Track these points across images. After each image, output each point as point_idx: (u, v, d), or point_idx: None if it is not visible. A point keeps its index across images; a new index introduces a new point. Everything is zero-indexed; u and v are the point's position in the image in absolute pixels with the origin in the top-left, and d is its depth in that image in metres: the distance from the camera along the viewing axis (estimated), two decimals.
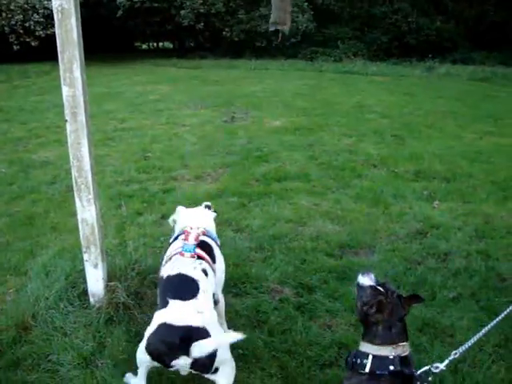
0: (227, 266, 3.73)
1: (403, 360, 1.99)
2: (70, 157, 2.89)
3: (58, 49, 2.66)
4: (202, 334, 2.02)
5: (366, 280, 2.17)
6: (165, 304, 2.17)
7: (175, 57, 23.91)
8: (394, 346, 2.00)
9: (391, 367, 1.96)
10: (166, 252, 2.66)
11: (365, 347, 2.07)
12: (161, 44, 38.57)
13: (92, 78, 15.38)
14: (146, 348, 2.10)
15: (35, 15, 20.00)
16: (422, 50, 23.74)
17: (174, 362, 2.02)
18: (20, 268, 3.79)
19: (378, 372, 1.98)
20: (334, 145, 7.56)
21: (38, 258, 3.85)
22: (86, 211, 2.98)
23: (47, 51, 13.95)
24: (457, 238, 4.32)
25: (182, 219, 2.88)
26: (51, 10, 2.68)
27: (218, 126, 9.01)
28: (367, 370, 2.00)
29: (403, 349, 2.01)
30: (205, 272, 2.38)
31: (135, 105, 11.30)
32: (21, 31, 20.09)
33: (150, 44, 39.41)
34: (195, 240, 2.54)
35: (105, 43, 28.76)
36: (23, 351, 2.80)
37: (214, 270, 2.52)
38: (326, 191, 5.53)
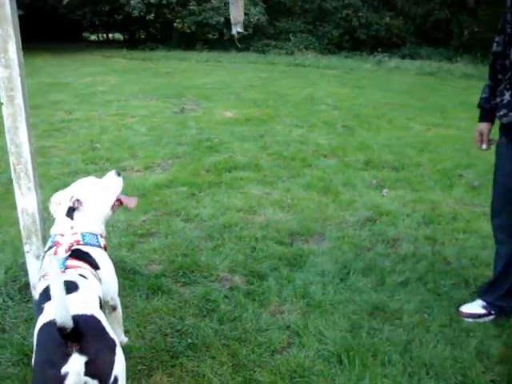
0: (176, 255, 3.69)
1: None
2: (8, 143, 2.70)
3: None
4: (92, 321, 1.73)
5: None
6: (40, 311, 1.82)
7: (125, 48, 23.32)
8: None
9: None
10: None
11: None
12: (110, 35, 37.61)
13: (38, 68, 14.99)
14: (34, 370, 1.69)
15: None
16: (371, 44, 24.21)
17: (64, 369, 1.56)
18: None
19: None
20: (284, 135, 7.56)
21: None
22: (27, 200, 2.81)
23: None
24: (405, 225, 4.40)
25: (56, 221, 2.40)
26: None
27: (168, 117, 8.85)
28: None
29: None
30: (82, 276, 2.06)
31: (83, 96, 10.93)
32: None
33: (100, 35, 38.40)
34: (66, 252, 2.15)
35: (51, 33, 27.88)
36: None
37: (97, 277, 2.18)
38: (276, 181, 5.52)
